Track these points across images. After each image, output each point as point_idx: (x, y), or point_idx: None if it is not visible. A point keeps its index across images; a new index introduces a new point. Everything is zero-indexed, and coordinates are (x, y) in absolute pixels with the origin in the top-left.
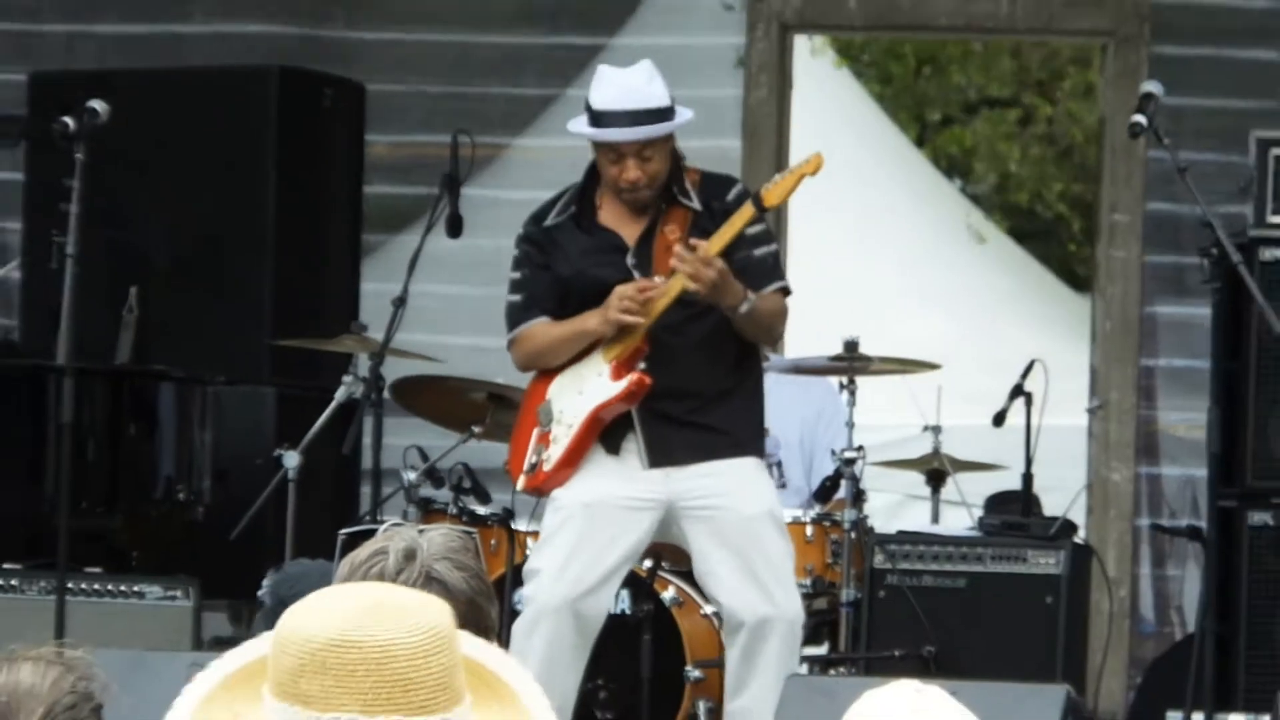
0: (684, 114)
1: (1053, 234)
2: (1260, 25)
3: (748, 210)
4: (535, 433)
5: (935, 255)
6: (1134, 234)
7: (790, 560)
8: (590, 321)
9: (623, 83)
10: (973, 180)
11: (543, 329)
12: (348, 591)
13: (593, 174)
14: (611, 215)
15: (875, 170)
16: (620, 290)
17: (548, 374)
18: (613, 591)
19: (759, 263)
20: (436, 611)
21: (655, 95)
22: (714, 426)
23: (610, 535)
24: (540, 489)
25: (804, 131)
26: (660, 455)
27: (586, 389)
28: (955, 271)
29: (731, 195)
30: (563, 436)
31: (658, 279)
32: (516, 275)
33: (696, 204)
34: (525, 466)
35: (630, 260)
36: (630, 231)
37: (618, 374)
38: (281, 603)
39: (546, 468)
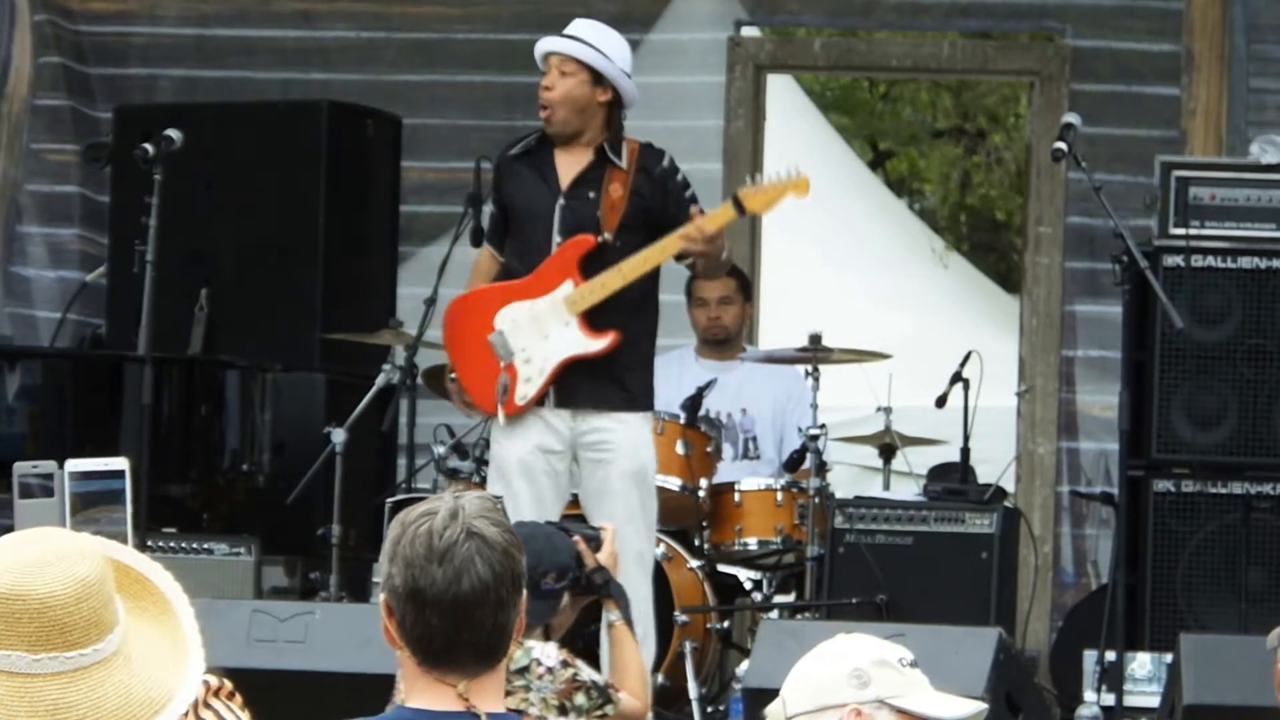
0: (615, 71)
1: (988, 243)
2: (1164, 66)
3: (728, 211)
4: (505, 365)
5: (886, 262)
6: (1056, 243)
7: (654, 512)
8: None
9: (582, 23)
10: (918, 198)
11: (480, 261)
12: (17, 544)
13: None
14: (562, 160)
15: (835, 190)
16: (456, 391)
17: (483, 301)
18: None
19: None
20: (88, 560)
21: (597, 38)
22: (616, 380)
23: (538, 494)
24: (518, 415)
25: (775, 157)
26: (567, 399)
27: (553, 335)
28: (903, 276)
29: (665, 163)
30: (536, 377)
31: (606, 235)
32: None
33: (623, 164)
34: (500, 399)
35: (560, 202)
36: (568, 178)
37: (591, 331)
38: None
39: (520, 401)
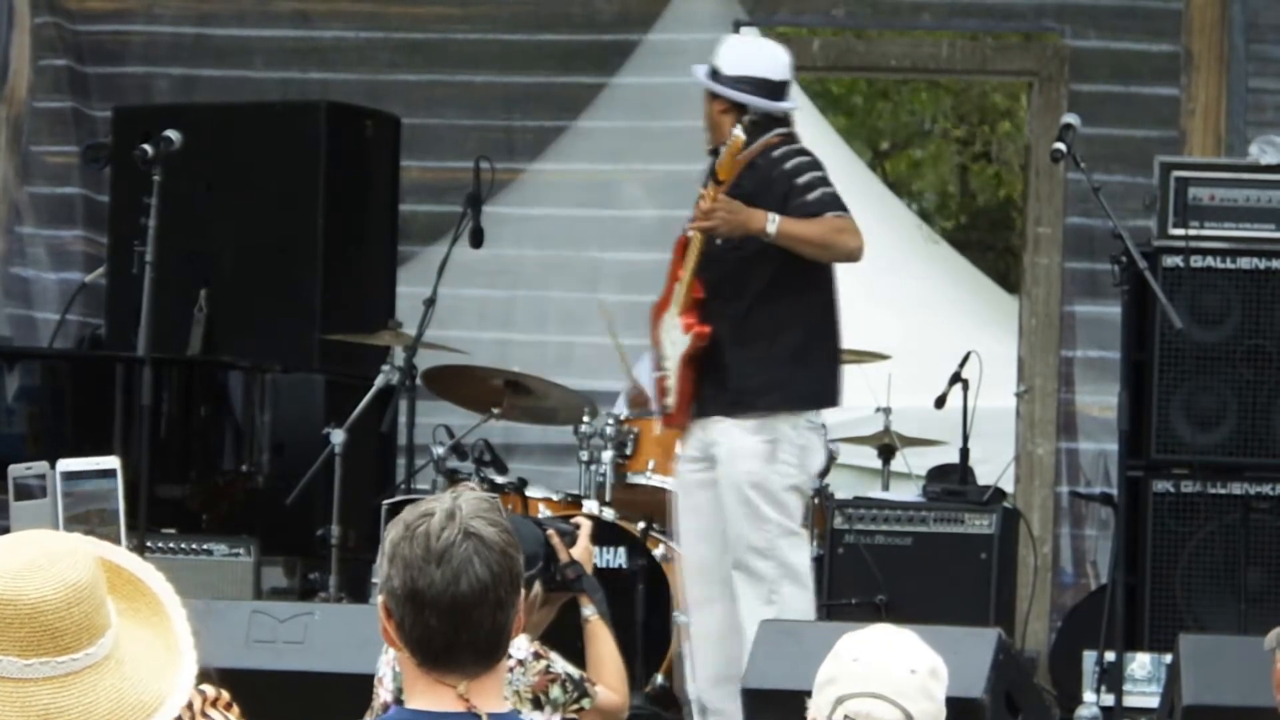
0: (717, 84)
1: (987, 243)
2: (1162, 66)
3: (711, 186)
4: (657, 376)
5: (886, 263)
6: (1055, 244)
7: (731, 523)
8: None
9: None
10: (918, 198)
11: None
12: (9, 548)
13: None
14: None
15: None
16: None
17: (656, 313)
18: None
19: (800, 191)
20: (80, 564)
21: (717, 53)
22: (720, 384)
23: (693, 504)
24: (678, 427)
25: None
26: (697, 410)
27: (675, 339)
28: (903, 276)
29: (776, 153)
30: (674, 383)
31: (689, 232)
32: None
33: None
34: (658, 411)
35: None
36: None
37: (687, 326)
38: None
39: (666, 413)
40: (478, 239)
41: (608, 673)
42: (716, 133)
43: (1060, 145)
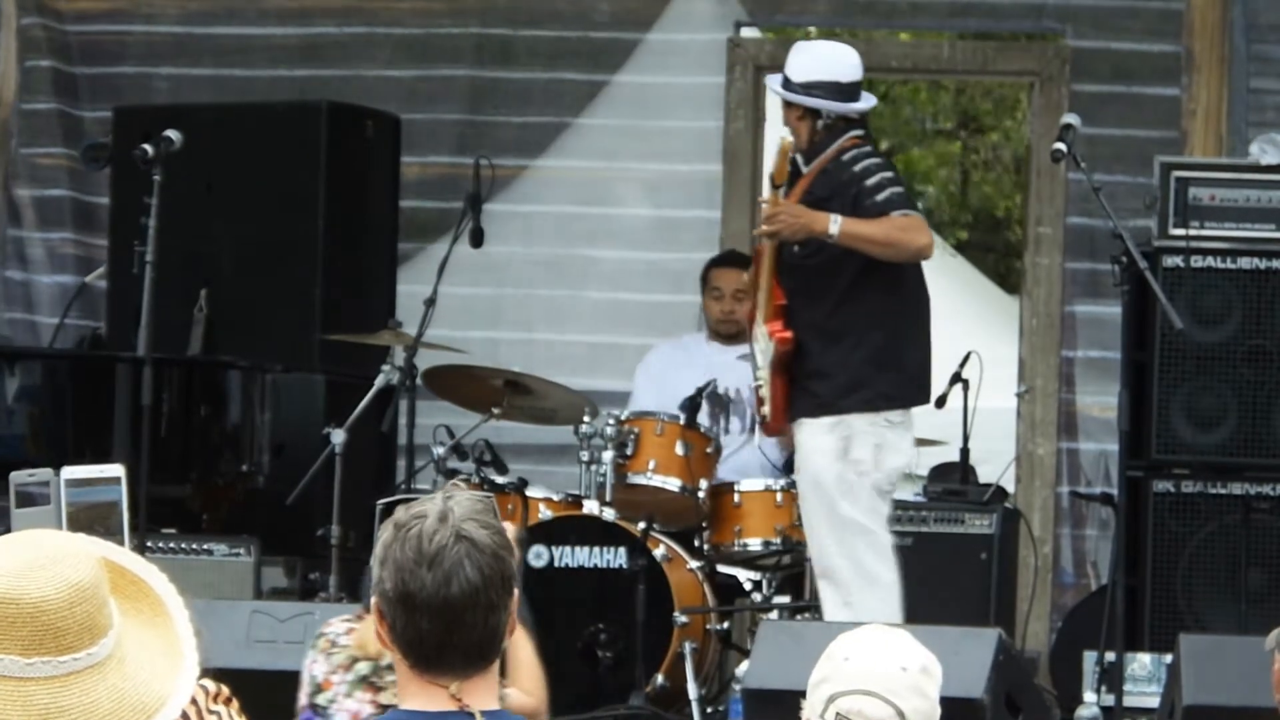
0: (787, 91)
1: (987, 243)
2: (1163, 67)
3: (771, 191)
4: (754, 386)
5: None
6: (1056, 244)
7: (811, 526)
8: None
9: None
10: (918, 197)
11: None
12: (11, 547)
13: None
14: None
15: None
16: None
17: (750, 325)
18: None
19: (869, 193)
20: (82, 564)
21: (791, 65)
22: (805, 388)
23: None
24: (778, 434)
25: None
26: (790, 413)
27: (764, 348)
28: None
29: (847, 157)
30: (768, 392)
31: (765, 241)
32: None
33: (808, 168)
34: (758, 420)
35: None
36: None
37: (771, 333)
38: None
39: (770, 419)
40: (478, 238)
41: (524, 676)
42: (797, 140)
43: (1061, 145)
